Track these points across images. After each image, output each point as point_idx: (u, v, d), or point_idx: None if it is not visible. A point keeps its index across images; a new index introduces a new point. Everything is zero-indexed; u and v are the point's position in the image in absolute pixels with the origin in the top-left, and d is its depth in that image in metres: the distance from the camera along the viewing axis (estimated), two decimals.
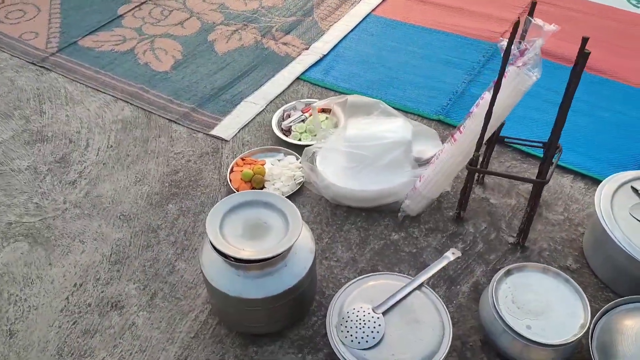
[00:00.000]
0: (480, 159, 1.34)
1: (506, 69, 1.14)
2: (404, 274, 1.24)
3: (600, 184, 1.24)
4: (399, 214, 1.35)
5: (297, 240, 1.02)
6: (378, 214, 1.38)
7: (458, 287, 1.22)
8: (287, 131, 1.61)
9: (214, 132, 1.64)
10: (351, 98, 1.43)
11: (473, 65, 1.85)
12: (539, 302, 1.06)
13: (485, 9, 2.14)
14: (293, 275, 1.05)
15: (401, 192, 1.35)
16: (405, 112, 1.66)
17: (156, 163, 1.55)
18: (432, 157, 1.43)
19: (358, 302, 1.06)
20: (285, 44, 2.01)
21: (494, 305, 1.05)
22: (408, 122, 1.42)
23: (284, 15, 2.18)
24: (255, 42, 2.03)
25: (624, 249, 1.13)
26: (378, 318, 1.02)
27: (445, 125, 1.63)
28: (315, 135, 1.57)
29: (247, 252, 1.00)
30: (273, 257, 1.00)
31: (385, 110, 1.44)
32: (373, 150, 1.35)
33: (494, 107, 1.15)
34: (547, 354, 1.02)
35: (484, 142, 1.20)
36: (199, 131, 1.65)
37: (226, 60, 1.95)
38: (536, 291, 1.08)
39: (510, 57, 1.12)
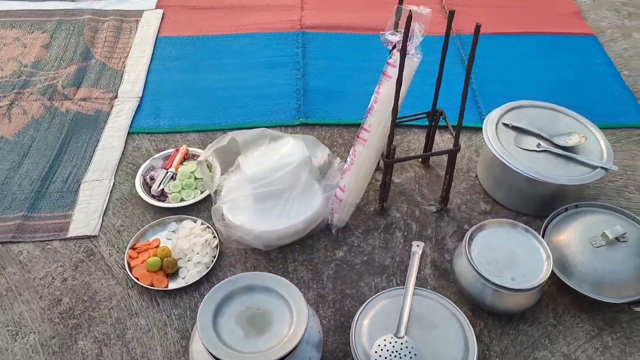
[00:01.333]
0: None
1: (390, 60, 1.17)
2: (372, 286, 1.23)
3: (483, 129, 1.39)
4: (333, 231, 1.31)
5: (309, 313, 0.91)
6: (311, 240, 1.32)
7: (422, 272, 1.26)
8: (162, 196, 1.39)
9: (72, 233, 1.33)
10: (238, 137, 1.29)
11: (295, 59, 1.84)
12: (505, 254, 1.16)
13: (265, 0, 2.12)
14: (314, 346, 0.95)
15: (326, 210, 1.30)
16: (268, 127, 1.58)
17: (25, 302, 1.20)
18: (327, 162, 1.41)
19: (376, 337, 1.02)
20: (85, 99, 1.71)
21: (480, 275, 1.11)
22: (297, 139, 1.36)
23: (60, 66, 1.83)
24: (46, 109, 1.67)
25: (528, 175, 1.29)
26: (406, 341, 1.00)
27: (311, 126, 1.61)
28: (195, 189, 1.40)
29: (265, 352, 0.86)
30: (299, 342, 0.88)
31: (273, 136, 1.35)
32: (282, 181, 1.26)
33: (392, 98, 1.17)
34: (536, 292, 1.13)
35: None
36: (52, 240, 1.32)
37: (24, 143, 1.57)
38: (497, 246, 1.17)
39: (389, 47, 1.15)
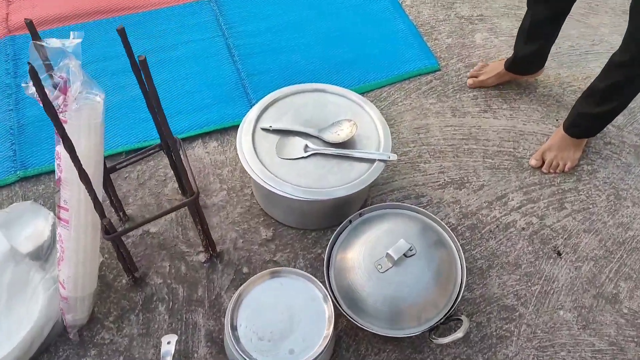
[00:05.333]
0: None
1: (63, 116, 0.82)
2: None
3: (237, 141, 1.10)
4: (71, 335, 1.00)
5: None
6: (46, 354, 1.00)
7: (196, 355, 1.00)
8: None
9: None
10: None
11: (2, 82, 1.39)
12: (280, 315, 0.92)
13: None
14: None
15: (55, 311, 0.98)
16: None
17: None
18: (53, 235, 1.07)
19: None
20: None
21: None
22: None
23: None
24: None
25: (294, 198, 1.03)
26: None
27: (35, 179, 1.22)
28: None
29: None
30: None
31: None
32: None
33: (84, 159, 0.84)
34: (325, 352, 0.92)
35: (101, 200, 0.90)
36: None
37: None
38: (271, 307, 0.93)
39: (54, 103, 0.80)
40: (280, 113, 1.15)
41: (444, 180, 1.25)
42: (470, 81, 1.41)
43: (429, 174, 1.26)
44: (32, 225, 1.08)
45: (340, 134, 1.11)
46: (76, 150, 0.83)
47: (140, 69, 0.76)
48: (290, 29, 1.54)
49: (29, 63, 0.70)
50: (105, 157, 1.22)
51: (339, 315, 0.99)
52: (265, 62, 1.45)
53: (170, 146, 1.03)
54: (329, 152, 1.09)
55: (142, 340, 1.01)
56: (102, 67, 1.42)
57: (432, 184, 1.24)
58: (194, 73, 1.43)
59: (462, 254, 1.03)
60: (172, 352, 0.89)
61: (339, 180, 1.06)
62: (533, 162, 1.26)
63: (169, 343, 0.90)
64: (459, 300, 0.98)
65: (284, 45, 1.49)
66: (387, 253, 0.97)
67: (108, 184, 1.06)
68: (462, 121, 1.35)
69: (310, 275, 0.95)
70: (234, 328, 0.90)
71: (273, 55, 1.47)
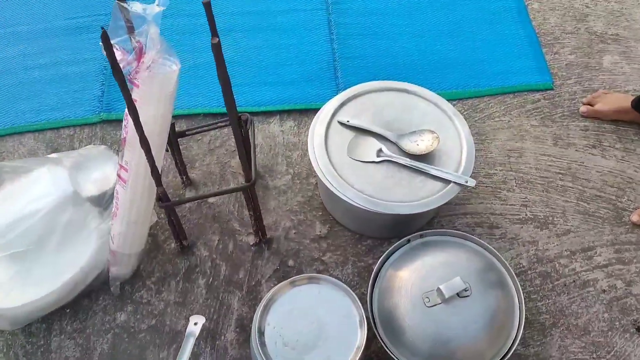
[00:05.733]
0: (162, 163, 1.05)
1: (136, 80, 0.81)
2: None
3: (310, 129, 1.05)
4: (112, 287, 1.02)
5: None
6: (87, 299, 1.03)
7: (223, 337, 0.99)
8: None
9: None
10: None
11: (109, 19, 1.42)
12: (310, 326, 0.88)
13: None
14: None
15: (103, 260, 1.00)
16: (58, 127, 1.24)
17: None
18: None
19: None
20: None
21: None
22: (58, 164, 1.03)
23: None
24: None
25: (354, 204, 0.97)
26: None
27: (115, 124, 1.25)
28: None
29: None
30: None
31: (13, 169, 1.01)
32: (22, 241, 0.95)
33: (149, 126, 0.83)
34: None
35: (160, 168, 0.89)
36: None
37: None
38: (301, 314, 0.89)
39: (127, 68, 0.79)
40: (361, 109, 1.08)
41: (526, 215, 1.12)
42: (584, 109, 1.25)
43: (510, 205, 1.14)
44: (100, 171, 1.10)
45: (419, 144, 1.02)
46: (143, 117, 0.81)
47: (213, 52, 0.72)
48: (398, 14, 1.43)
49: (102, 28, 0.68)
50: (182, 117, 1.23)
51: (373, 336, 0.93)
52: (362, 46, 1.37)
53: (234, 132, 1.00)
54: (403, 162, 1.01)
55: (176, 309, 1.02)
56: (201, 22, 1.40)
57: (511, 217, 1.12)
58: (287, 45, 1.38)
59: (524, 304, 0.92)
60: (197, 334, 0.88)
61: (406, 196, 0.98)
62: (635, 218, 1.10)
63: (195, 324, 0.89)
64: (509, 355, 0.88)
65: (387, 31, 1.40)
66: (439, 288, 0.89)
67: (175, 148, 1.06)
68: (563, 152, 1.20)
69: (352, 292, 0.89)
70: (261, 331, 0.87)
71: (373, 40, 1.38)
